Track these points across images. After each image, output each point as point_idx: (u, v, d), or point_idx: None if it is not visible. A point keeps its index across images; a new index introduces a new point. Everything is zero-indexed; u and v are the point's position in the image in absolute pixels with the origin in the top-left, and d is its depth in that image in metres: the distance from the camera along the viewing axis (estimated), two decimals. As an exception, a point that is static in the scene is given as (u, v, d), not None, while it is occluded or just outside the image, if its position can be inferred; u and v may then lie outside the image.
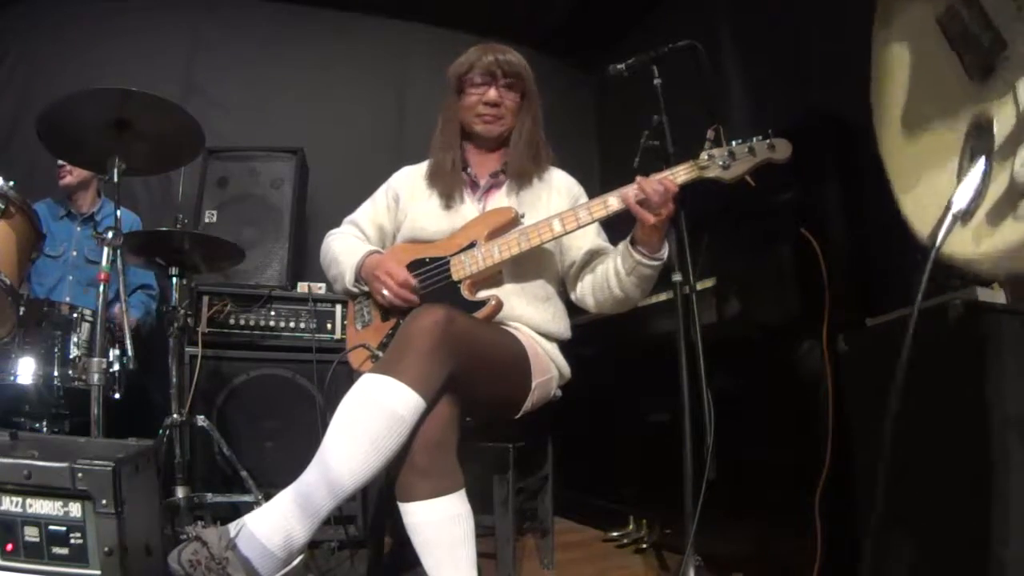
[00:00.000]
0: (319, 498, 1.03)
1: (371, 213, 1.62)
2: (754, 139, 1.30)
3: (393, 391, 1.06)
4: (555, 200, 1.51)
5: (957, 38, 0.95)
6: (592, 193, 1.50)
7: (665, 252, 1.36)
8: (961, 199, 0.88)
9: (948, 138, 0.94)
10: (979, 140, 0.89)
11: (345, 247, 1.54)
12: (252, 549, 0.98)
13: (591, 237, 1.52)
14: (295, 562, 1.04)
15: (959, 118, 0.93)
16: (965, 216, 0.88)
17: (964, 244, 0.89)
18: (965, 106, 0.92)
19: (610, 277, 1.42)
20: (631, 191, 1.31)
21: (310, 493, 1.03)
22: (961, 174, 0.89)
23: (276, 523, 1.01)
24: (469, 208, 1.50)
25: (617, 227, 1.45)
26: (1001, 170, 0.84)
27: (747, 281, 1.62)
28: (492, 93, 1.48)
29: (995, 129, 0.87)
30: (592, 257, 1.51)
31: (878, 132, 1.11)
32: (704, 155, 1.31)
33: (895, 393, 0.87)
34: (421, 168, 1.60)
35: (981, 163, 0.87)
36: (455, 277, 1.39)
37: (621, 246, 1.40)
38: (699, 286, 1.56)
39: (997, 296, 1.10)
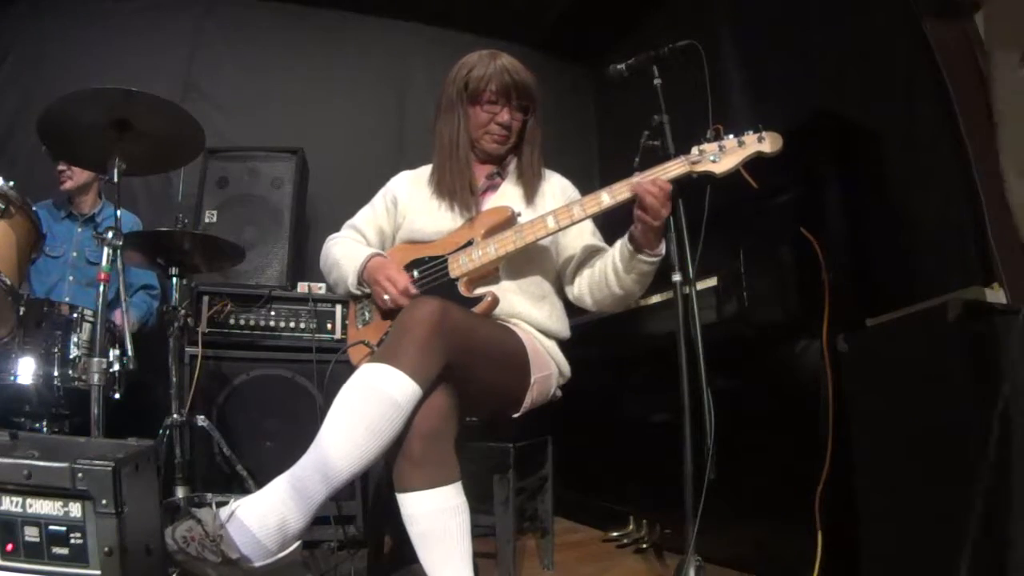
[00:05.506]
0: (314, 483, 1.03)
1: (370, 216, 1.62)
2: (745, 132, 1.30)
3: (389, 378, 1.07)
4: (550, 202, 1.52)
5: None
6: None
7: (663, 248, 1.34)
8: None
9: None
10: None
11: (346, 251, 1.54)
12: (245, 530, 0.99)
13: (587, 236, 1.53)
14: (290, 548, 1.04)
15: None
16: None
17: None
18: None
19: (608, 275, 1.42)
20: (624, 188, 1.31)
21: (305, 478, 1.04)
22: None
23: (270, 506, 1.02)
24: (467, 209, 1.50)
25: (615, 226, 1.45)
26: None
27: (747, 281, 1.61)
28: (506, 116, 1.48)
29: None
30: (588, 256, 1.52)
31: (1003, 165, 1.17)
32: (695, 150, 1.31)
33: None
34: (420, 172, 1.62)
35: None
36: (453, 275, 1.41)
37: (618, 244, 1.40)
38: (699, 286, 1.56)
39: (997, 296, 1.10)
